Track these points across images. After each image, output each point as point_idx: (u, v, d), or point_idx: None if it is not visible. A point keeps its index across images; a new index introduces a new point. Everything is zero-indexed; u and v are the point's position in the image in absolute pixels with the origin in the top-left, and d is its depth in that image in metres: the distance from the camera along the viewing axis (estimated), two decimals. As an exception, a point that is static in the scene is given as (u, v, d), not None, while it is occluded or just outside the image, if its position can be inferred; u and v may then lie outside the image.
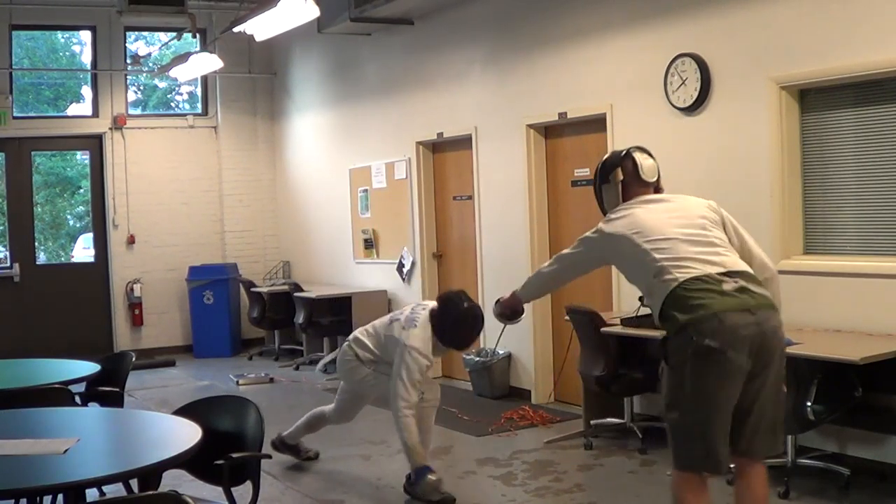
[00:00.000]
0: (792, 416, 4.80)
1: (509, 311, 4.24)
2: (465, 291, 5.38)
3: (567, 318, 6.29)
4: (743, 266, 3.45)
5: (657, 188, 3.80)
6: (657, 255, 3.43)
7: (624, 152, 3.84)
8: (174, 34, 9.22)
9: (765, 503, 3.47)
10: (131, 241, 10.72)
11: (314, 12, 7.00)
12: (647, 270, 3.47)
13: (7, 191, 10.46)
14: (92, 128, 10.65)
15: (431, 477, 5.09)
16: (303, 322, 9.58)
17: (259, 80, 11.34)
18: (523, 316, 4.38)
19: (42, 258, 10.93)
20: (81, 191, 11.27)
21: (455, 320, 5.18)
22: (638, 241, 3.51)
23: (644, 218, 3.58)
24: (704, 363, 3.25)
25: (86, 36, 10.78)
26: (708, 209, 3.66)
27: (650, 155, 3.85)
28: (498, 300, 4.30)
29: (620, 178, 3.76)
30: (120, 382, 4.97)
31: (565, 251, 3.92)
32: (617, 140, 6.64)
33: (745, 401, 3.33)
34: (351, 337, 5.69)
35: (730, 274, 3.36)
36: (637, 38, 6.46)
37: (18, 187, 10.47)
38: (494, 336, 7.95)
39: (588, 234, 3.77)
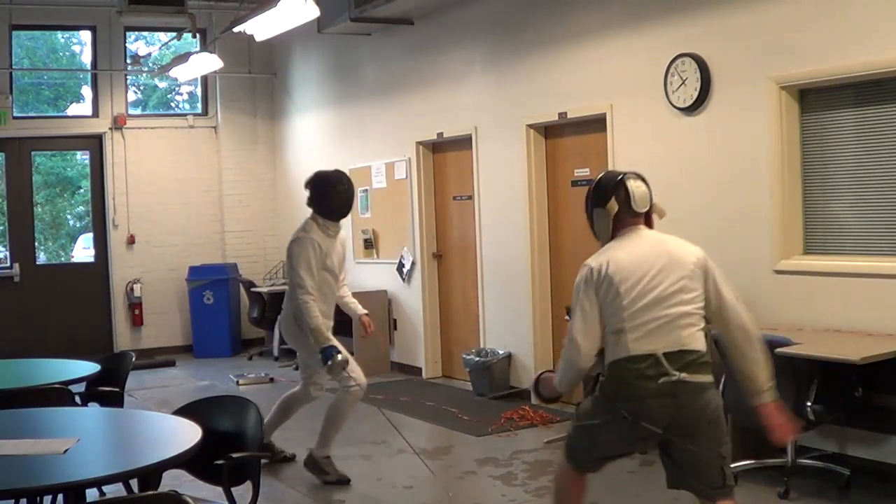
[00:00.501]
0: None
1: (548, 395, 4.00)
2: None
3: (567, 318, 6.28)
4: (694, 345, 3.54)
5: (648, 216, 3.76)
6: (624, 315, 3.54)
7: (618, 178, 3.74)
8: (174, 34, 9.22)
9: None
10: (131, 241, 10.72)
11: (314, 12, 7.00)
12: (611, 325, 3.59)
13: (7, 191, 10.46)
14: (92, 128, 10.65)
15: (339, 356, 5.27)
16: (303, 322, 9.57)
17: (259, 80, 11.34)
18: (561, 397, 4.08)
19: (42, 258, 10.93)
20: (81, 191, 11.28)
21: (323, 185, 5.47)
22: (621, 298, 3.56)
23: (630, 270, 3.58)
24: (618, 424, 3.57)
25: (86, 36, 10.79)
26: (695, 265, 3.61)
27: (644, 181, 3.75)
28: (541, 376, 4.02)
29: (615, 210, 3.69)
30: (120, 382, 4.97)
31: (578, 310, 3.67)
32: (617, 140, 6.64)
33: (675, 458, 3.61)
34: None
35: (677, 355, 3.50)
36: (637, 38, 6.46)
37: (18, 187, 10.48)
38: (494, 337, 7.96)
39: (585, 281, 3.67)
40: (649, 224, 3.76)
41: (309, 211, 5.65)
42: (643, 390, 3.49)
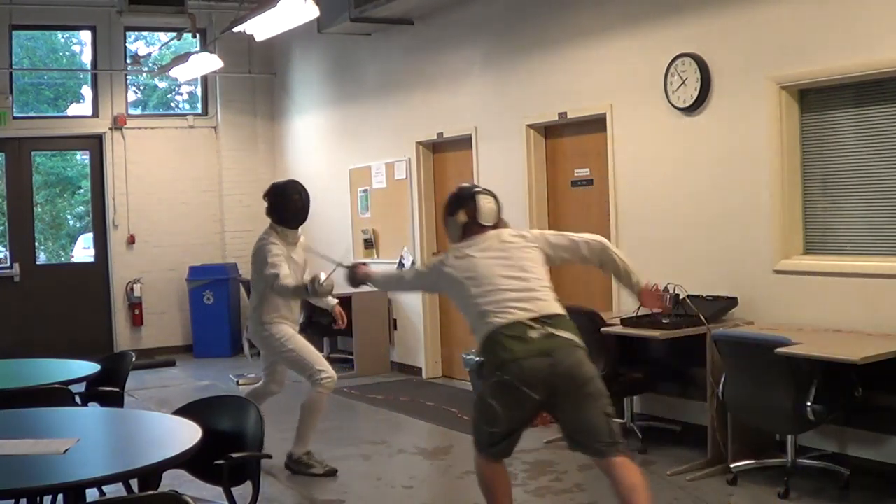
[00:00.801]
0: (792, 416, 4.81)
1: (358, 281, 4.90)
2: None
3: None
4: (553, 309, 4.04)
5: (496, 225, 4.26)
6: (482, 301, 4.04)
7: (470, 193, 4.29)
8: (174, 34, 9.22)
9: (640, 490, 3.97)
10: (131, 241, 10.73)
11: (314, 12, 7.00)
12: (474, 311, 4.08)
13: (7, 191, 10.46)
14: (92, 128, 10.65)
15: (323, 277, 5.51)
16: (303, 322, 9.55)
17: (259, 80, 11.34)
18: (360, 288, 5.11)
19: (42, 258, 10.93)
20: (81, 191, 11.28)
21: (279, 195, 5.79)
22: (470, 287, 4.09)
23: (479, 265, 4.12)
24: (502, 391, 3.96)
25: (86, 36, 10.79)
26: (533, 249, 4.19)
27: (495, 198, 4.28)
28: (356, 266, 4.92)
29: (463, 221, 4.23)
30: (120, 382, 4.97)
31: (420, 268, 4.83)
32: (617, 140, 6.64)
33: (563, 420, 4.03)
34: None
35: (540, 319, 3.95)
36: (637, 38, 6.46)
37: (18, 187, 10.48)
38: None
39: (435, 261, 4.41)
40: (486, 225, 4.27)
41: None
42: (519, 351, 3.90)
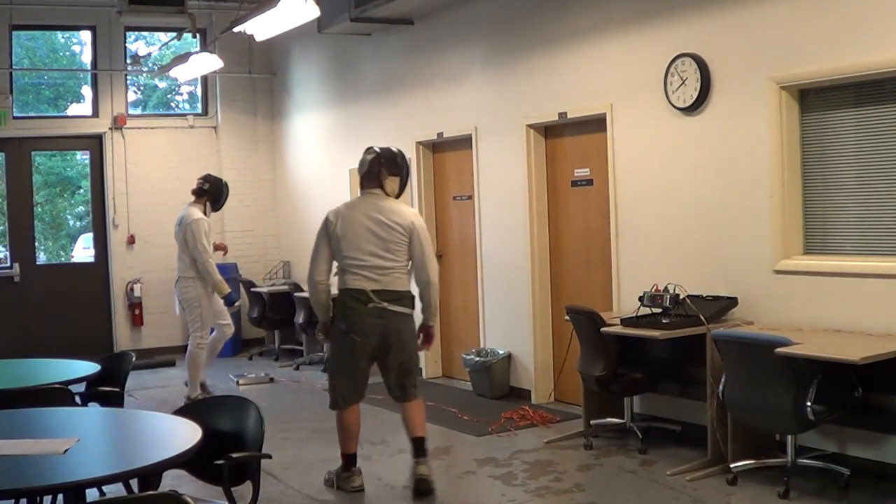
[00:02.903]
0: (792, 416, 4.81)
1: (321, 332, 5.60)
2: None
3: (567, 318, 6.29)
4: (394, 287, 5.20)
5: (383, 182, 5.32)
6: (346, 262, 5.22)
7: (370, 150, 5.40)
8: (174, 34, 9.22)
9: (419, 420, 5.38)
10: (131, 241, 10.72)
11: (314, 12, 7.00)
12: (339, 261, 5.25)
13: (7, 191, 10.46)
14: (92, 128, 10.65)
15: (238, 302, 8.25)
16: (303, 322, 9.58)
17: (259, 80, 11.34)
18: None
19: (42, 258, 10.93)
20: (81, 191, 11.27)
21: (218, 187, 8.07)
22: (342, 246, 5.22)
23: (355, 229, 5.22)
24: (344, 341, 5.22)
25: (86, 36, 10.78)
26: (404, 232, 5.21)
27: (370, 152, 5.38)
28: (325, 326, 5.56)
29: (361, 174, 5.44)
30: (120, 382, 4.97)
31: (312, 261, 5.40)
32: (617, 140, 6.64)
33: (383, 368, 5.32)
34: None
35: (379, 293, 5.16)
36: (637, 38, 6.46)
37: (18, 187, 10.48)
38: (494, 337, 7.97)
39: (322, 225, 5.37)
40: (384, 188, 5.31)
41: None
42: (359, 311, 5.15)
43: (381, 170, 5.30)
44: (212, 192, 7.95)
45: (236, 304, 7.80)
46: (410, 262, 5.25)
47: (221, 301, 7.89)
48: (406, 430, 5.38)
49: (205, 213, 7.89)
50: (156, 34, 11.14)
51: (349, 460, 5.41)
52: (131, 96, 11.08)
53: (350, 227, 5.21)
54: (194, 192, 8.03)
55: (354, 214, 5.26)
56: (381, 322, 5.14)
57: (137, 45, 11.23)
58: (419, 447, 5.32)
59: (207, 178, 8.05)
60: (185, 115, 11.31)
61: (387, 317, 5.14)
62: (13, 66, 10.24)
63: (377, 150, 5.39)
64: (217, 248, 8.29)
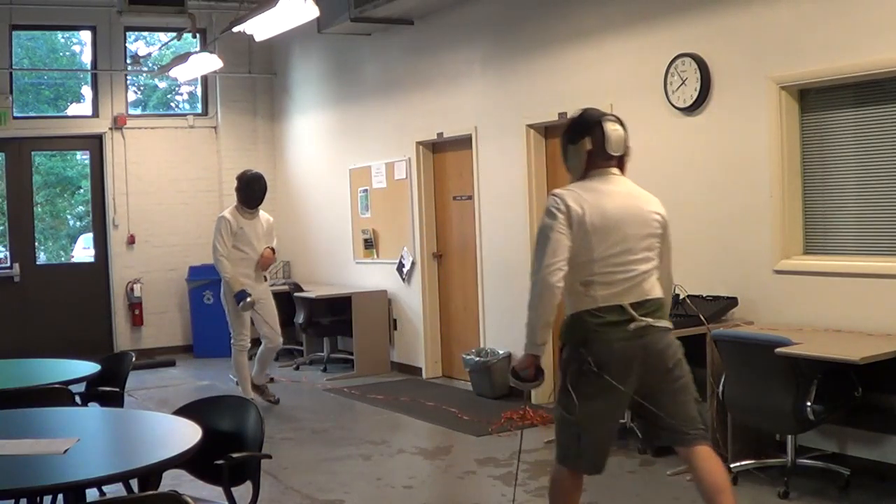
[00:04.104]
0: (792, 416, 4.81)
1: (521, 367, 3.83)
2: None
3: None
4: (656, 293, 3.80)
5: (622, 160, 3.88)
6: (595, 268, 3.69)
7: (595, 119, 3.85)
8: (174, 34, 9.21)
9: (721, 478, 3.76)
10: (131, 241, 10.72)
11: (314, 12, 7.00)
12: (579, 272, 3.71)
13: (7, 191, 10.45)
14: (92, 128, 10.65)
15: (249, 298, 7.43)
16: (303, 322, 9.58)
17: (259, 80, 11.34)
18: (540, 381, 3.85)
19: (42, 258, 10.92)
20: (81, 191, 11.27)
21: (245, 183, 7.69)
22: (592, 244, 3.69)
23: (603, 221, 3.71)
24: (588, 380, 3.67)
25: (86, 36, 10.78)
26: (659, 224, 3.86)
27: (622, 125, 3.86)
28: (513, 368, 3.90)
29: (588, 149, 3.82)
30: (120, 382, 4.96)
31: (539, 261, 3.70)
32: (617, 140, 6.64)
33: (656, 403, 3.75)
34: None
35: (642, 304, 3.71)
36: (637, 38, 6.46)
37: (18, 187, 10.47)
38: (494, 337, 7.96)
39: (548, 218, 3.72)
40: (622, 168, 3.88)
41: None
42: (611, 336, 3.65)
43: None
44: (239, 190, 7.70)
45: (247, 299, 7.43)
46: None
47: (265, 309, 7.66)
48: (709, 499, 3.77)
49: (239, 212, 7.64)
50: (156, 34, 11.13)
51: None
52: (131, 96, 11.08)
53: (603, 220, 3.72)
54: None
55: (604, 202, 3.76)
56: (641, 344, 3.69)
57: (137, 45, 11.23)
58: None
59: (238, 176, 7.85)
60: (185, 115, 11.30)
61: (648, 335, 3.71)
62: (13, 66, 10.24)
63: (596, 112, 3.95)
64: (262, 260, 7.67)
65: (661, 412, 3.73)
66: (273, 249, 7.77)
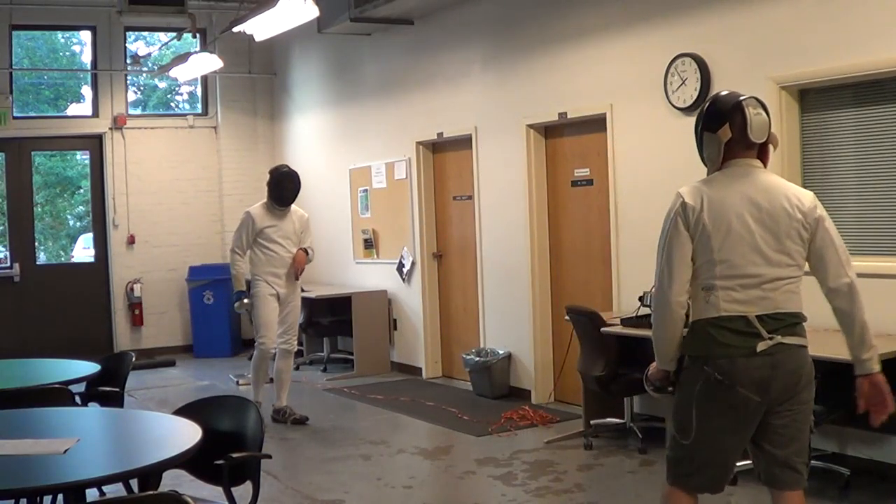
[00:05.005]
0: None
1: (656, 378, 3.66)
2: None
3: (567, 318, 6.29)
4: (787, 307, 3.30)
5: (763, 148, 3.40)
6: (716, 270, 3.26)
7: (735, 102, 3.37)
8: (174, 34, 9.22)
9: None
10: (131, 241, 10.72)
11: (314, 12, 7.00)
12: (701, 274, 3.31)
13: (7, 191, 10.46)
14: (92, 128, 10.65)
15: (245, 300, 7.15)
16: (303, 322, 9.56)
17: (259, 80, 11.34)
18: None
19: (42, 258, 10.92)
20: (81, 191, 11.27)
21: (276, 179, 7.22)
22: (712, 246, 3.26)
23: (732, 221, 3.26)
24: (711, 395, 3.26)
25: (86, 36, 10.78)
26: (803, 224, 3.28)
27: (764, 108, 3.37)
28: (646, 375, 3.73)
29: (728, 137, 3.38)
30: (120, 382, 4.96)
31: (660, 277, 3.41)
32: (617, 140, 6.64)
33: (763, 433, 3.31)
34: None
35: (772, 318, 3.26)
36: (637, 38, 6.46)
37: (18, 187, 10.47)
38: (494, 337, 7.96)
39: (665, 222, 3.38)
40: (764, 157, 3.41)
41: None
42: (733, 352, 3.20)
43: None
44: (269, 185, 7.22)
45: (243, 300, 7.13)
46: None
47: (283, 311, 7.20)
48: None
49: (268, 208, 7.18)
50: (156, 34, 11.14)
51: None
52: (131, 96, 11.09)
53: (724, 219, 3.27)
54: None
55: (728, 198, 3.31)
56: (770, 363, 3.22)
57: (137, 45, 11.23)
58: None
59: (270, 170, 7.43)
60: (185, 115, 11.30)
61: (778, 353, 3.24)
62: (13, 66, 10.24)
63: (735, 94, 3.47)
64: (295, 263, 7.18)
65: (776, 438, 3.29)
66: (306, 251, 7.22)
